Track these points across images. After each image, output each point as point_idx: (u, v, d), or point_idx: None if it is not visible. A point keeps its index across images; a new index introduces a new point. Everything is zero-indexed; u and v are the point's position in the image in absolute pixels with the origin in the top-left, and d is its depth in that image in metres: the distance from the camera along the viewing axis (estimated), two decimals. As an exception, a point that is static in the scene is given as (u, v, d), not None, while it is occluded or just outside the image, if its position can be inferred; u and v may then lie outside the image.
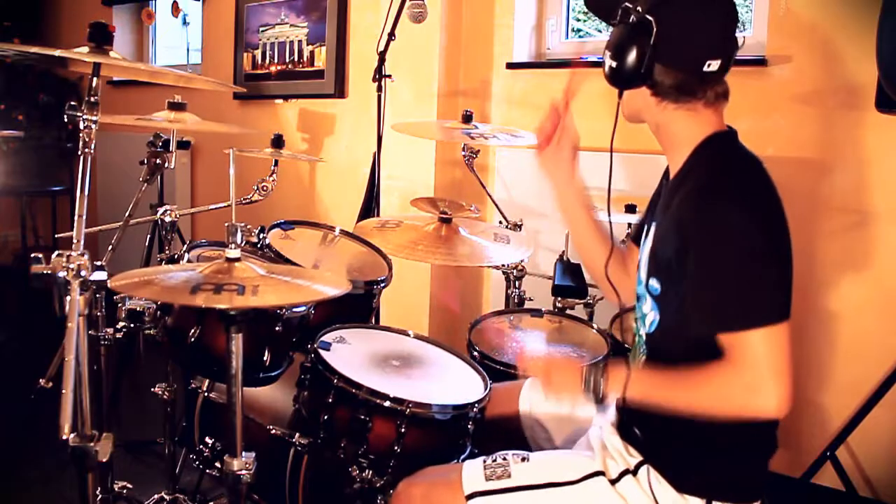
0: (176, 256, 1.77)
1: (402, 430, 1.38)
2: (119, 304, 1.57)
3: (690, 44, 1.13)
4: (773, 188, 1.12)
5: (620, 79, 1.16)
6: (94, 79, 1.25)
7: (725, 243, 1.05)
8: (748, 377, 1.03)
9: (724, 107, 1.19)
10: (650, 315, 1.21)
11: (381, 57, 2.40)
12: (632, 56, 1.12)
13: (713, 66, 1.13)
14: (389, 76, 2.42)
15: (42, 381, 1.88)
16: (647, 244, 1.23)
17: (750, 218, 1.06)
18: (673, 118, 1.18)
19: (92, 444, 1.13)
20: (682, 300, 1.11)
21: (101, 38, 1.28)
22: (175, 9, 3.87)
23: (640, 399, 1.12)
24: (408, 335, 1.75)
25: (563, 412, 1.46)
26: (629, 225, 1.40)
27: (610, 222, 1.31)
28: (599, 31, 3.02)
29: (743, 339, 1.03)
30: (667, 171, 1.29)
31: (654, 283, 1.18)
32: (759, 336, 1.02)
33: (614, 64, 1.14)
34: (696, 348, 1.09)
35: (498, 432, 1.49)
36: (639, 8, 1.12)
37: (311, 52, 3.35)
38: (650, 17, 1.10)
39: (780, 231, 1.10)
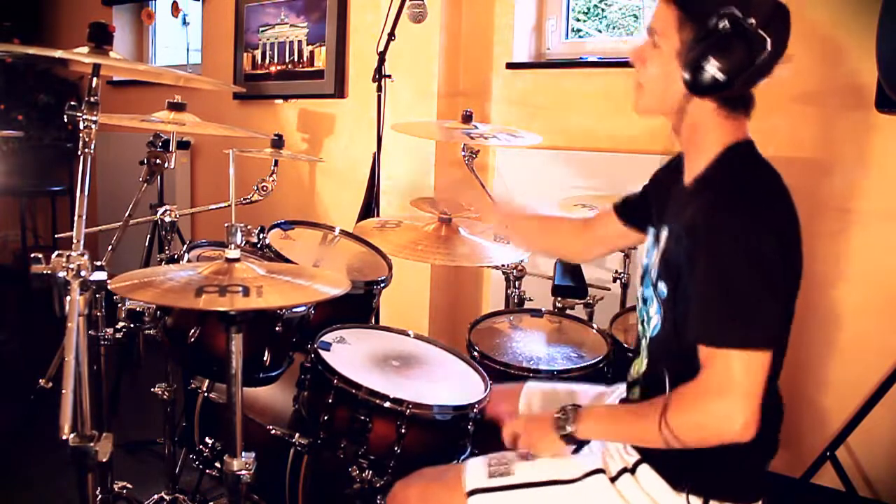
0: (176, 256, 1.77)
1: (402, 430, 1.38)
2: (119, 304, 1.58)
3: (775, 64, 1.12)
4: (792, 209, 1.11)
5: (710, 87, 1.09)
6: (94, 79, 1.25)
7: (735, 259, 1.04)
8: (716, 402, 1.02)
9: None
10: (654, 318, 1.21)
11: (381, 57, 2.40)
12: (734, 70, 1.07)
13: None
14: (389, 76, 2.42)
15: (42, 381, 1.89)
16: (659, 248, 1.22)
17: (764, 241, 1.05)
18: (715, 124, 1.16)
19: (92, 444, 1.13)
20: (684, 306, 1.10)
21: (100, 38, 1.27)
22: (175, 9, 3.87)
23: (612, 440, 1.20)
24: (408, 335, 1.75)
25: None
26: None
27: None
28: (599, 32, 3.02)
29: (721, 356, 1.02)
30: (677, 167, 1.27)
31: (663, 287, 1.17)
32: (738, 357, 1.01)
33: (714, 73, 1.07)
34: (688, 359, 1.07)
35: (497, 432, 1.49)
36: (751, 20, 1.06)
37: (311, 52, 3.35)
38: (766, 35, 1.06)
39: (792, 260, 1.09)
